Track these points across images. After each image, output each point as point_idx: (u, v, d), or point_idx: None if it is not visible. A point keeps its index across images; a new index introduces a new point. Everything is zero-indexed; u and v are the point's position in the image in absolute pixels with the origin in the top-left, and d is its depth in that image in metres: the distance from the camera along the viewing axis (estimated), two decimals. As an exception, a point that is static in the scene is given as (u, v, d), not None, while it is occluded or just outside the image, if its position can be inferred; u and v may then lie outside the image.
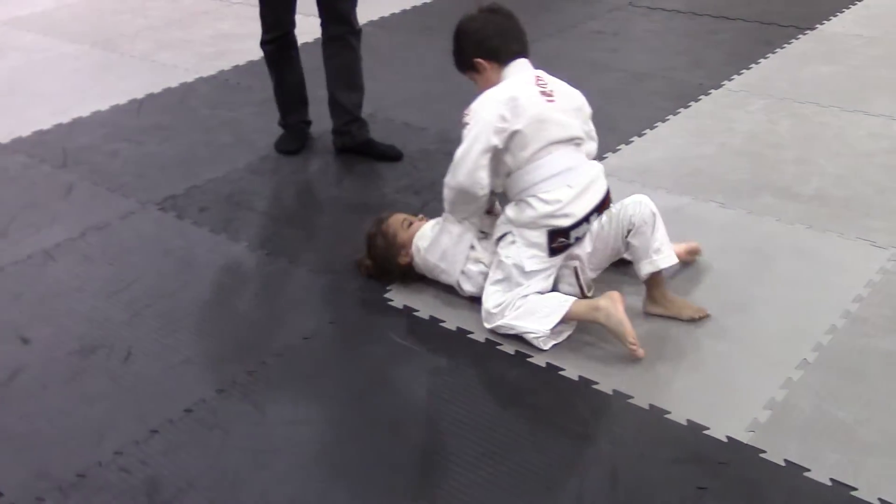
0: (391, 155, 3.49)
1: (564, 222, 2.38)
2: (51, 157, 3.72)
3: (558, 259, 2.44)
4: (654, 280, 2.45)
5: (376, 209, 2.97)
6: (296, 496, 1.97)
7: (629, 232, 2.42)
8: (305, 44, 3.73)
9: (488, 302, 2.42)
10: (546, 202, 2.37)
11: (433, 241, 2.55)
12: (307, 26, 3.68)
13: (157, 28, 5.42)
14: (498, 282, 2.43)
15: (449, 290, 2.60)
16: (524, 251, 2.40)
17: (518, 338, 2.39)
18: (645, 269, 2.43)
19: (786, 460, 1.98)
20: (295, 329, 2.53)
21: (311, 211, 3.19)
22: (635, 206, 2.43)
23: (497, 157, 2.39)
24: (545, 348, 2.35)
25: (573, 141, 2.43)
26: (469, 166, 2.38)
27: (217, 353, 2.46)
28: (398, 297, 2.63)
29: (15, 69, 4.85)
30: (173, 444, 2.14)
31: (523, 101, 2.37)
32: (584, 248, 2.47)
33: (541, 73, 2.49)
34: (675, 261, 2.46)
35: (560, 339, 2.37)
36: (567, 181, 2.38)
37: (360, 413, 2.20)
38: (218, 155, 3.65)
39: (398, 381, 2.31)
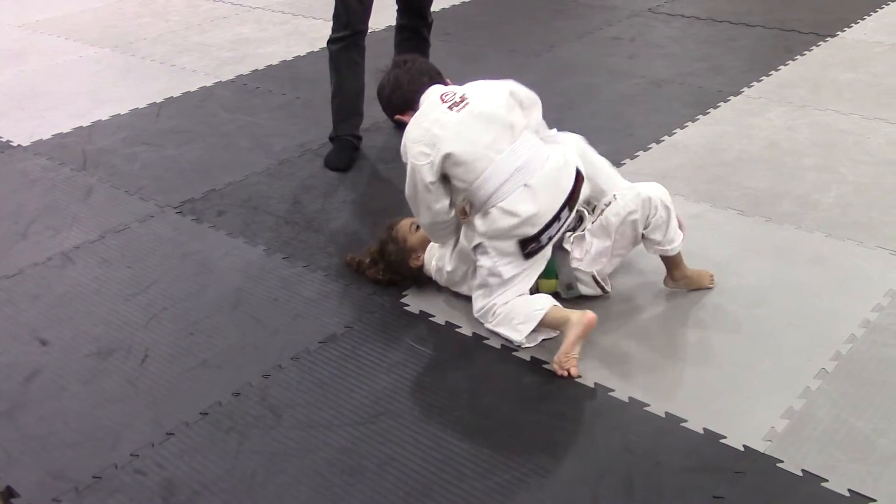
0: None
1: (531, 231, 2.36)
2: (71, 160, 3.75)
3: (536, 258, 2.44)
4: (671, 260, 2.53)
5: (394, 213, 2.96)
6: (311, 500, 1.97)
7: (646, 228, 2.45)
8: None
9: (474, 306, 2.49)
10: (508, 213, 2.34)
11: (456, 266, 2.56)
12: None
13: (177, 32, 5.46)
14: (479, 286, 2.48)
15: (464, 296, 2.60)
16: (499, 259, 2.41)
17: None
18: (658, 254, 2.53)
19: (803, 470, 1.96)
20: (311, 333, 2.53)
21: (328, 215, 3.20)
22: (652, 207, 2.42)
23: (445, 183, 2.40)
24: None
25: (510, 131, 2.38)
26: (424, 205, 2.44)
27: (233, 357, 2.46)
28: (414, 302, 2.64)
29: (36, 72, 4.90)
30: (189, 446, 2.14)
31: (432, 127, 2.38)
32: (594, 247, 2.48)
33: (447, 88, 2.50)
34: (681, 241, 2.49)
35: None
36: (523, 180, 2.35)
37: (376, 417, 2.20)
38: (236, 159, 3.67)
39: (413, 386, 2.31)
